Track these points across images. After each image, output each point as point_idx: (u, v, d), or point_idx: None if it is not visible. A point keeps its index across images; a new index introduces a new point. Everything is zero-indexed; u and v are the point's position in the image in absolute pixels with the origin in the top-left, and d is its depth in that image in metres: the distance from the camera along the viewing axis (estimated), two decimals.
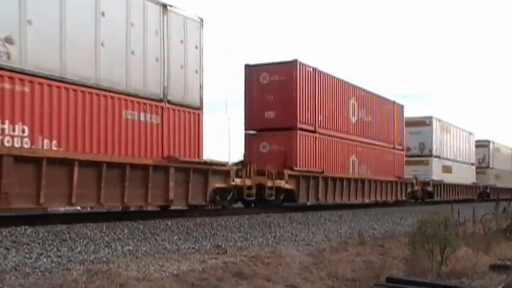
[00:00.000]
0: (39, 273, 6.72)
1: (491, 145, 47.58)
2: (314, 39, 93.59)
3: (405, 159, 31.39)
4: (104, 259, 7.97)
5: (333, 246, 10.99)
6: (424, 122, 34.03)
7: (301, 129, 19.99)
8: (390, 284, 7.19)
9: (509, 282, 8.14)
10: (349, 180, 23.20)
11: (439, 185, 34.04)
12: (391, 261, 9.57)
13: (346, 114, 23.60)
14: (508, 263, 9.60)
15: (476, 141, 43.89)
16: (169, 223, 12.20)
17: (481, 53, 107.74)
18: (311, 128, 20.70)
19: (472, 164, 42.06)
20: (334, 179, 22.10)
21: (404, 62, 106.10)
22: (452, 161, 37.12)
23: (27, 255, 7.72)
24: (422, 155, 33.83)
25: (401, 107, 29.97)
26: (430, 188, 32.35)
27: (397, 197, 28.12)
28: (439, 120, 35.44)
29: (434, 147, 34.08)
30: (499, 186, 46.40)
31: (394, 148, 28.50)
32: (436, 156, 34.30)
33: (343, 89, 23.35)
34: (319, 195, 20.99)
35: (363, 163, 24.86)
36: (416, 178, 31.05)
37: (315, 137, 20.95)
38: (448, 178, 35.65)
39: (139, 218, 12.65)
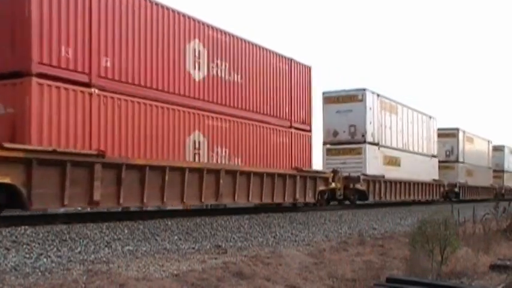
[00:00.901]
0: (39, 273, 6.72)
1: (460, 134, 38.76)
2: (313, 39, 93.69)
3: (331, 147, 25.10)
4: (104, 259, 7.97)
5: (333, 246, 10.99)
6: (354, 97, 25.01)
7: (43, 76, 11.05)
8: (390, 284, 7.19)
9: (509, 282, 8.14)
10: (180, 171, 13.88)
11: (378, 182, 25.41)
12: (391, 261, 9.57)
13: (180, 65, 14.37)
14: (508, 263, 9.60)
15: (442, 129, 36.42)
16: (169, 223, 12.20)
17: (482, 52, 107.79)
18: (81, 77, 11.86)
19: (434, 157, 33.64)
20: (140, 169, 12.80)
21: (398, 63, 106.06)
22: (400, 150, 28.50)
23: (27, 255, 7.72)
24: (353, 141, 24.97)
25: (307, 68, 20.40)
26: (361, 186, 23.70)
27: (296, 197, 18.99)
28: (378, 96, 26.16)
29: (369, 131, 25.06)
30: (471, 185, 39.65)
31: (291, 127, 19.17)
32: (372, 143, 25.33)
33: (169, 22, 14.17)
34: (96, 196, 11.68)
35: (221, 146, 15.67)
36: (336, 172, 21.97)
37: (91, 94, 12.00)
38: (394, 173, 27.11)
39: (139, 218, 12.65)
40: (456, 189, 36.78)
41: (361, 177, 23.73)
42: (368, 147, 24.98)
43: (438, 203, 31.25)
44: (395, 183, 27.33)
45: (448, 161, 37.64)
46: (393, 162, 27.65)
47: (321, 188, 20.75)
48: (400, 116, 28.87)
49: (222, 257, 8.69)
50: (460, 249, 9.62)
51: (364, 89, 25.15)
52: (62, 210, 13.70)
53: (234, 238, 11.23)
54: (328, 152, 25.36)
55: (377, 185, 25.36)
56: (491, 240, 12.10)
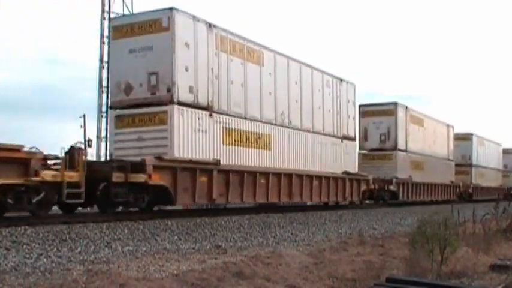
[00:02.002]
0: (39, 273, 6.72)
1: (400, 112, 27.97)
2: (314, 39, 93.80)
3: (121, 113, 14.65)
4: (104, 259, 7.97)
5: (333, 246, 10.99)
6: (156, 24, 14.29)
7: None
8: (390, 284, 7.19)
9: (509, 282, 8.15)
10: None
11: (204, 172, 14.92)
12: (391, 261, 9.57)
13: None
14: (508, 263, 9.61)
15: (374, 105, 27.71)
16: (169, 223, 12.20)
17: (482, 52, 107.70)
18: None
19: (348, 139, 23.04)
20: None
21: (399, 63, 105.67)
22: (271, 124, 17.95)
23: (27, 255, 7.72)
24: (154, 100, 14.41)
25: None
26: (150, 179, 13.21)
27: None
28: (211, 26, 15.43)
29: (183, 83, 14.31)
30: (420, 181, 29.42)
31: None
32: (190, 105, 14.59)
33: None
34: None
35: None
36: (74, 151, 12.27)
37: None
38: (257, 158, 17.17)
39: (139, 218, 12.65)
40: (392, 187, 26.39)
41: (150, 162, 13.25)
42: (178, 112, 14.22)
43: (356, 207, 22.85)
44: (253, 177, 16.73)
45: (383, 148, 27.69)
46: (262, 143, 17.45)
47: (11, 181, 10.86)
48: (271, 70, 18.06)
49: (222, 257, 8.69)
50: (460, 249, 9.63)
51: (171, 8, 14.20)
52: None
53: (234, 238, 11.23)
54: (117, 122, 14.89)
55: (201, 178, 14.84)
56: (491, 240, 12.11)
